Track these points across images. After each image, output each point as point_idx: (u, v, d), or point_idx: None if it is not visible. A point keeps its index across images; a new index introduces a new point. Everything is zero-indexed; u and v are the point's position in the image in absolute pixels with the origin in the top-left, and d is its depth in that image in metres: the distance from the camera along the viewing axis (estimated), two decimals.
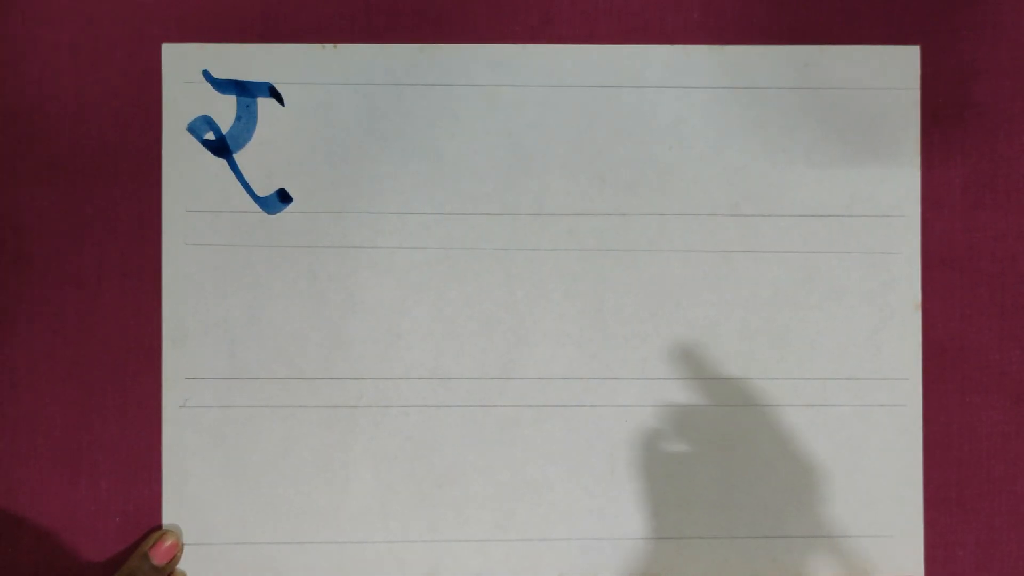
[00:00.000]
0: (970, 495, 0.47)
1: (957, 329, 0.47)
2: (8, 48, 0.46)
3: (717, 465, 0.46)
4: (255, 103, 0.46)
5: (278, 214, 0.46)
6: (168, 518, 0.46)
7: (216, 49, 0.46)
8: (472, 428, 0.46)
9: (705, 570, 0.46)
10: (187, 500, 0.46)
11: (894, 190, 0.47)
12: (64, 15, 0.46)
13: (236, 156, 0.46)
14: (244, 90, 0.46)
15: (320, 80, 0.46)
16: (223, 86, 0.46)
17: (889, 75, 0.47)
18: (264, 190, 0.46)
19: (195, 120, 0.46)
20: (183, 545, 0.46)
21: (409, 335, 0.46)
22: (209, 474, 0.46)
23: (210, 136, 0.46)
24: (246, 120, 0.46)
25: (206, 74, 0.46)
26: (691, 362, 0.47)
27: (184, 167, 0.46)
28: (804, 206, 0.47)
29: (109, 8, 0.46)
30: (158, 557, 0.44)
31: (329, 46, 0.46)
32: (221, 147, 0.46)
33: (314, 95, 0.46)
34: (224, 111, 0.46)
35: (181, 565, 0.46)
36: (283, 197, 0.46)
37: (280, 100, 0.46)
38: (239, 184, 0.46)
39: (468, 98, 0.46)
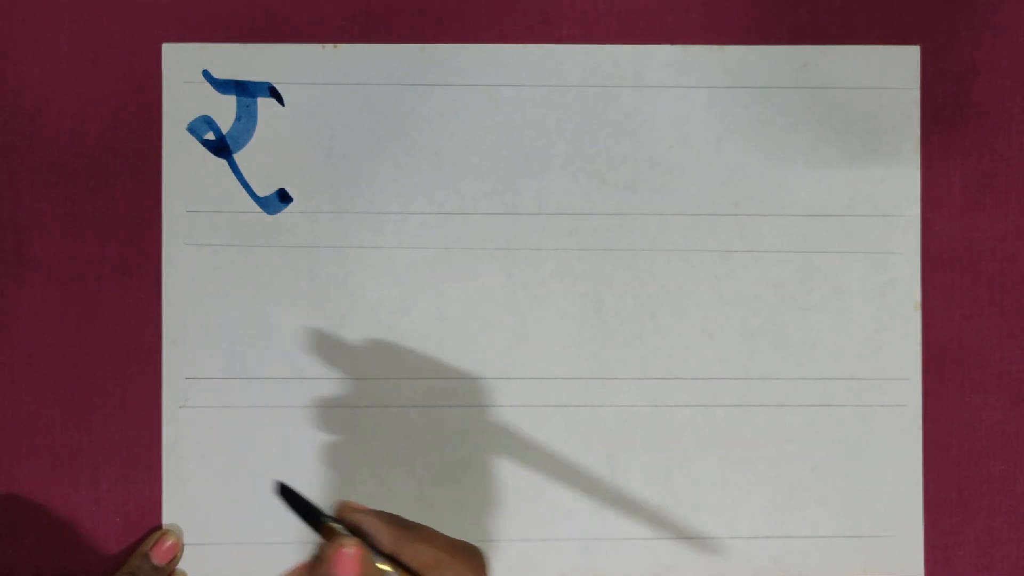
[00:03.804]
0: (970, 495, 0.47)
1: (957, 329, 0.47)
2: (8, 48, 0.46)
3: (717, 465, 0.46)
4: (255, 103, 0.46)
5: (278, 214, 0.46)
6: (168, 518, 0.46)
7: (216, 49, 0.46)
8: (472, 428, 0.46)
9: (705, 570, 0.46)
10: (187, 500, 0.46)
11: (894, 190, 0.47)
12: (64, 15, 0.46)
13: (236, 156, 0.46)
14: (244, 90, 0.46)
15: (320, 80, 0.46)
16: (223, 86, 0.46)
17: (889, 75, 0.47)
18: (264, 190, 0.46)
19: (195, 120, 0.46)
20: (183, 545, 0.46)
21: (409, 335, 0.46)
22: (209, 474, 0.46)
23: (210, 136, 0.46)
24: (246, 120, 0.46)
25: (206, 74, 0.46)
26: (691, 362, 0.47)
27: (184, 167, 0.46)
28: (804, 206, 0.47)
29: (109, 8, 0.46)
30: (159, 557, 0.44)
31: (329, 46, 0.46)
32: (221, 147, 0.46)
33: (314, 95, 0.46)
34: (224, 111, 0.46)
35: (181, 565, 0.46)
36: (283, 197, 0.46)
37: (280, 100, 0.46)
38: (239, 184, 0.46)
39: (468, 98, 0.46)
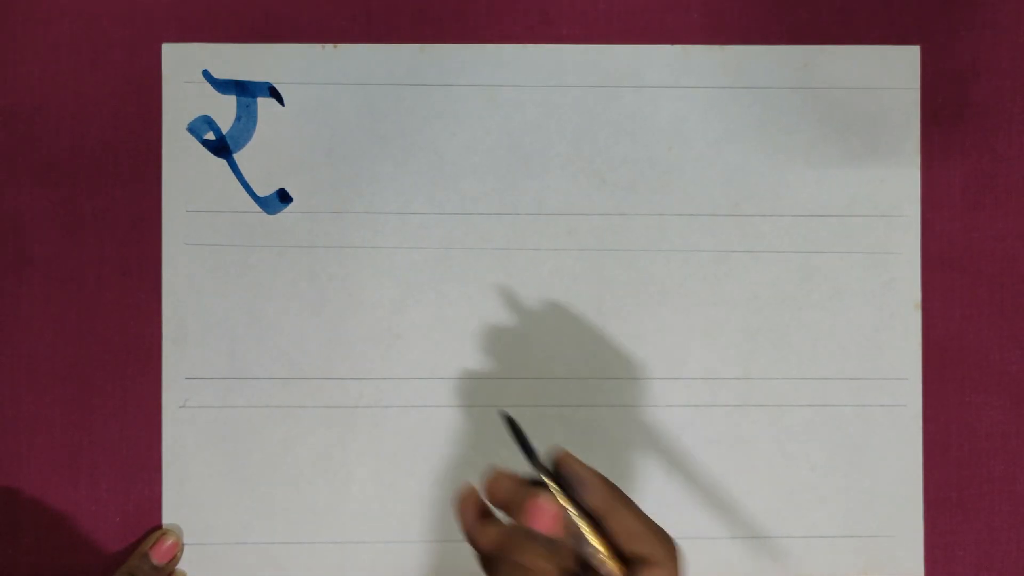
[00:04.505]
0: (970, 495, 0.47)
1: (957, 329, 0.47)
2: (8, 48, 0.46)
3: (717, 465, 0.46)
4: (255, 103, 0.46)
5: (278, 214, 0.46)
6: (168, 518, 0.46)
7: (216, 49, 0.46)
8: (472, 428, 0.46)
9: (705, 570, 0.46)
10: (187, 500, 0.46)
11: (894, 190, 0.47)
12: (64, 15, 0.46)
13: (236, 156, 0.46)
14: (244, 90, 0.46)
15: (320, 80, 0.46)
16: (223, 86, 0.46)
17: (889, 75, 0.47)
18: (264, 190, 0.46)
19: (195, 120, 0.46)
20: (183, 545, 0.46)
21: (409, 335, 0.46)
22: (209, 474, 0.46)
23: (210, 136, 0.46)
24: (246, 120, 0.46)
25: (206, 74, 0.46)
26: (691, 362, 0.47)
27: (184, 167, 0.46)
28: (804, 206, 0.47)
29: (109, 8, 0.46)
30: (158, 556, 0.44)
31: (329, 46, 0.46)
32: (221, 147, 0.46)
33: (314, 95, 0.46)
34: (224, 111, 0.46)
35: (181, 565, 0.46)
36: (283, 197, 0.46)
37: (280, 100, 0.46)
38: (239, 184, 0.46)
39: (468, 98, 0.46)
